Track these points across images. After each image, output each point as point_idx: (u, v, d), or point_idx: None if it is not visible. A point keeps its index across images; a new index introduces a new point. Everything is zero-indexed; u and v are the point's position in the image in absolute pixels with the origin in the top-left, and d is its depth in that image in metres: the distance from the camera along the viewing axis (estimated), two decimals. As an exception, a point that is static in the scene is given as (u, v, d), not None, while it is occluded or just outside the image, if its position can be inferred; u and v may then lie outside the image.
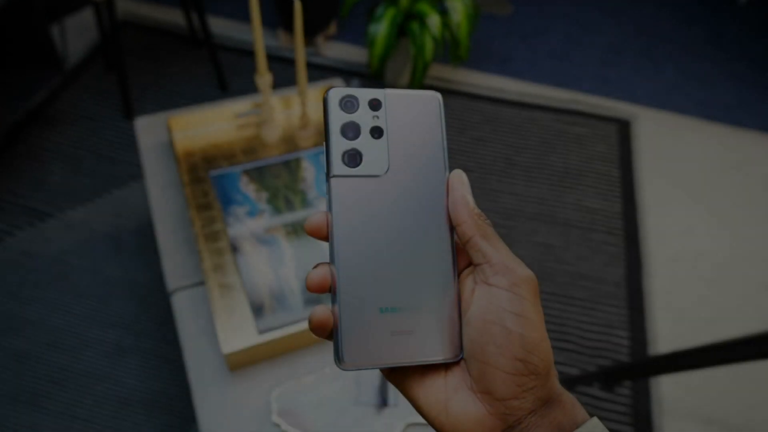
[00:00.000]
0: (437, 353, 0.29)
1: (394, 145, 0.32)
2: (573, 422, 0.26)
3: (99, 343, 1.40)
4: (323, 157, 1.24)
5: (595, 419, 0.27)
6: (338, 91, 0.32)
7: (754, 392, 1.44)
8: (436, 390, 0.28)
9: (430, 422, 0.28)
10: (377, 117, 0.32)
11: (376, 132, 0.32)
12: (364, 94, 0.32)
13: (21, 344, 1.39)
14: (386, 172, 0.31)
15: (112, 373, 1.36)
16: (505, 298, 0.26)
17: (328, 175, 0.31)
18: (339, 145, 0.31)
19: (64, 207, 1.66)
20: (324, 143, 0.32)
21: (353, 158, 0.31)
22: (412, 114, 0.32)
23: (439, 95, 0.33)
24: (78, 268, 1.53)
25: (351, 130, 0.31)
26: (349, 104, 0.32)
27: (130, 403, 1.31)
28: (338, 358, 0.28)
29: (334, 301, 0.29)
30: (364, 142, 0.31)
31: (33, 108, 1.89)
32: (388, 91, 0.33)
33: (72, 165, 1.78)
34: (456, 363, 0.29)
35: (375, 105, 0.32)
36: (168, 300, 1.48)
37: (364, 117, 0.32)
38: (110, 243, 1.59)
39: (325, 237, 0.30)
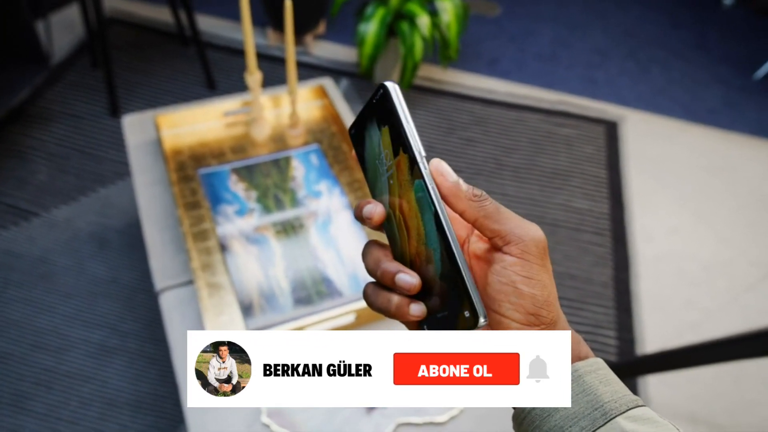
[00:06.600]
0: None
1: None
2: (577, 355, 0.32)
3: (84, 344, 1.38)
4: (314, 156, 1.24)
5: (599, 359, 0.32)
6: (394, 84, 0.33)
7: (740, 392, 1.46)
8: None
9: None
10: None
11: None
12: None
13: (4, 345, 1.36)
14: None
15: (97, 374, 1.34)
16: (517, 265, 0.30)
17: (418, 157, 0.32)
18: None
19: (48, 206, 1.64)
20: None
21: None
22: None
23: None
24: (63, 268, 1.51)
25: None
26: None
27: (117, 404, 1.29)
28: (482, 315, 0.30)
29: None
30: None
31: (17, 105, 1.86)
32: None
33: (57, 163, 1.75)
34: None
35: None
36: (154, 300, 1.46)
37: None
38: (95, 242, 1.57)
39: (374, 226, 0.35)
